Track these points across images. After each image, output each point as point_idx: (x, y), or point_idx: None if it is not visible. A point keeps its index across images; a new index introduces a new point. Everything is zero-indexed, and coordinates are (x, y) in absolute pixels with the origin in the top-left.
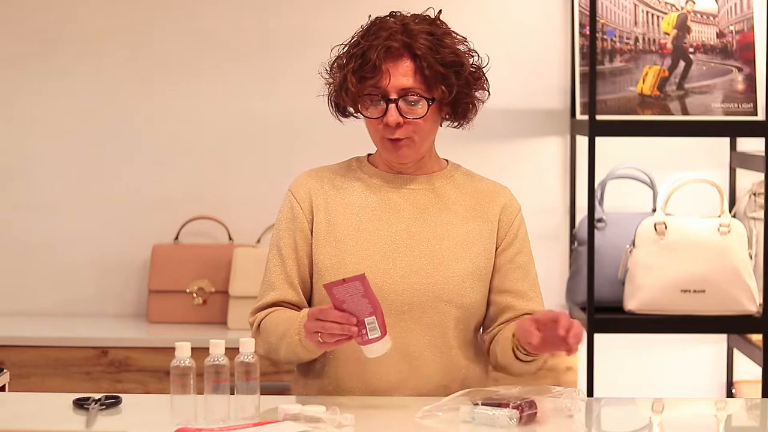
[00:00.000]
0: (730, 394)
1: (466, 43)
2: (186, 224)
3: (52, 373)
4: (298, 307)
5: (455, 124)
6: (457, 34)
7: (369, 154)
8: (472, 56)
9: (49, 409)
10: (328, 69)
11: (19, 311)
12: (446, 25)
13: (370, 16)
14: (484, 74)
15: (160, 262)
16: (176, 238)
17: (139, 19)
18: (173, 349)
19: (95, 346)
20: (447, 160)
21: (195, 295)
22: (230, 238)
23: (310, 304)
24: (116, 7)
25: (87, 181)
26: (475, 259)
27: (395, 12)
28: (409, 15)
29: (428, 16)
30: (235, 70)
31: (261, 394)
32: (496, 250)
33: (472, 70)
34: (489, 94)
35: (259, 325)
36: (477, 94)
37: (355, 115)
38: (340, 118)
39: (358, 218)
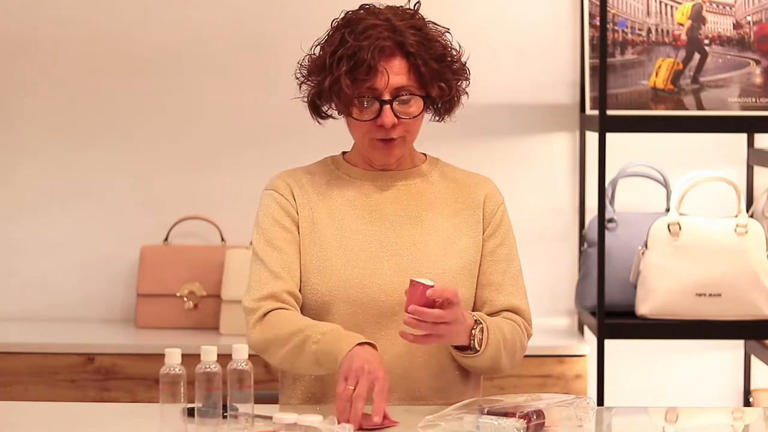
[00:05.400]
0: (747, 403)
1: (447, 34)
2: (176, 224)
3: (35, 381)
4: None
5: (437, 118)
6: (438, 25)
7: (344, 152)
8: (453, 47)
9: (32, 418)
10: (305, 68)
11: (1, 316)
12: (424, 18)
13: (342, 11)
14: (464, 64)
15: (149, 265)
16: (166, 239)
17: (130, 17)
18: (163, 355)
19: (81, 353)
20: (425, 154)
21: (185, 299)
22: (222, 239)
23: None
24: (106, 3)
25: (73, 180)
26: (463, 253)
27: (366, 5)
28: (384, 7)
29: (408, 9)
30: (227, 69)
31: (255, 402)
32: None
33: (455, 61)
34: (469, 83)
35: (265, 315)
36: (461, 85)
37: (334, 117)
38: (319, 120)
39: (341, 218)
